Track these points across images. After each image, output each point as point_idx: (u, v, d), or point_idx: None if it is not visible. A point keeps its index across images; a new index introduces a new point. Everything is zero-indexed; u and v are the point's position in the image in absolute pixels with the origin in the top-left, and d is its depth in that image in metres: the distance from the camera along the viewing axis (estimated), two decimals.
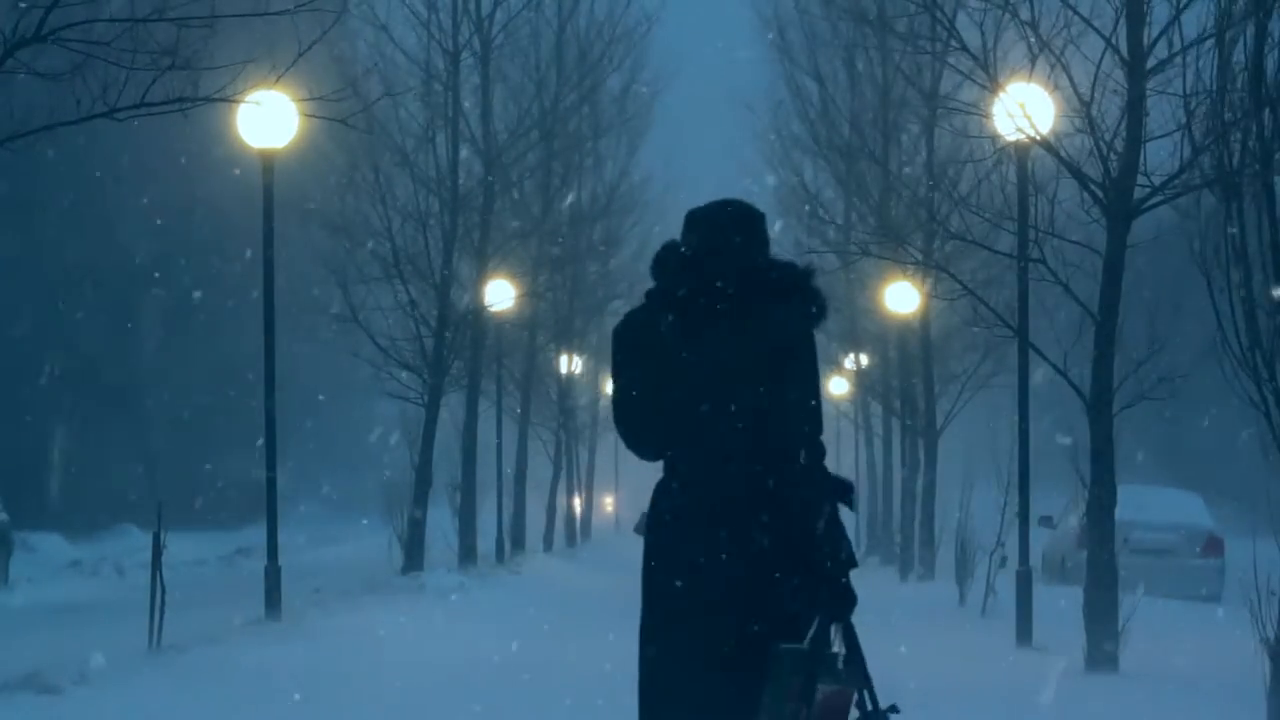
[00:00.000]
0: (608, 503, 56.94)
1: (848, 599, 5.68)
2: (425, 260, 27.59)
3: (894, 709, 5.81)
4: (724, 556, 5.63)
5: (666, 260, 5.92)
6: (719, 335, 5.74)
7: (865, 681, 5.74)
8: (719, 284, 5.75)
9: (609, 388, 6.80)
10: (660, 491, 5.84)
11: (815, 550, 5.62)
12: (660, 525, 5.79)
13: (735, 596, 5.63)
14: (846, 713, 5.64)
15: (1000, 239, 18.63)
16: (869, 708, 5.71)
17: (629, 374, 5.85)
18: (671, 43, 40.96)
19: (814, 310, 5.85)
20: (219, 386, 45.97)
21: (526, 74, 33.60)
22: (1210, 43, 12.30)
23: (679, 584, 5.67)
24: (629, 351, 5.87)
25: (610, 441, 59.10)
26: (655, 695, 5.71)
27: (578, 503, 44.22)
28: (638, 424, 5.84)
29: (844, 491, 5.77)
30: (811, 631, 5.60)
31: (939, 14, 17.20)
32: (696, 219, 5.95)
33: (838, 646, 5.69)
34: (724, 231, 5.88)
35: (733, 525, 5.64)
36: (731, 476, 5.66)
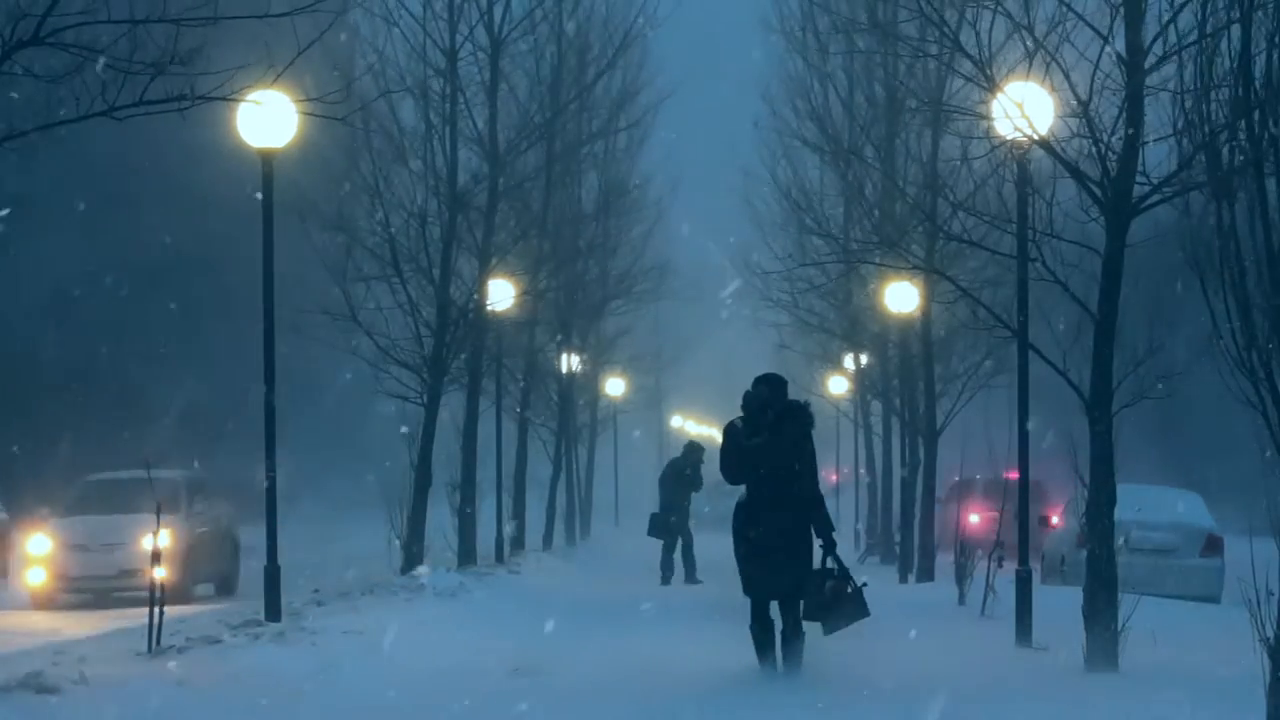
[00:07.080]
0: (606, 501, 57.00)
1: (834, 547, 13.88)
2: (424, 259, 27.52)
3: (865, 584, 14.07)
4: (773, 534, 13.79)
5: (749, 401, 13.87)
6: (772, 436, 13.75)
7: (849, 577, 13.93)
8: (771, 415, 13.83)
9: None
10: (741, 504, 14.02)
11: (823, 531, 13.88)
12: (744, 520, 13.92)
13: (777, 549, 13.83)
14: (844, 594, 13.74)
15: (1001, 240, 18.57)
16: (851, 588, 13.88)
17: (730, 448, 13.93)
18: (673, 42, 40.84)
19: (809, 422, 14.00)
20: (219, 386, 45.94)
21: (531, 75, 33.52)
22: (1209, 40, 12.27)
23: (754, 546, 13.84)
24: (732, 439, 13.92)
25: (610, 440, 59.18)
26: (749, 584, 13.94)
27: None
28: (734, 472, 13.97)
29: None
30: (823, 563, 13.91)
31: (936, 18, 17.10)
32: (759, 379, 13.98)
33: (834, 565, 13.87)
34: (773, 390, 13.88)
35: (776, 521, 13.79)
36: (779, 498, 13.80)
